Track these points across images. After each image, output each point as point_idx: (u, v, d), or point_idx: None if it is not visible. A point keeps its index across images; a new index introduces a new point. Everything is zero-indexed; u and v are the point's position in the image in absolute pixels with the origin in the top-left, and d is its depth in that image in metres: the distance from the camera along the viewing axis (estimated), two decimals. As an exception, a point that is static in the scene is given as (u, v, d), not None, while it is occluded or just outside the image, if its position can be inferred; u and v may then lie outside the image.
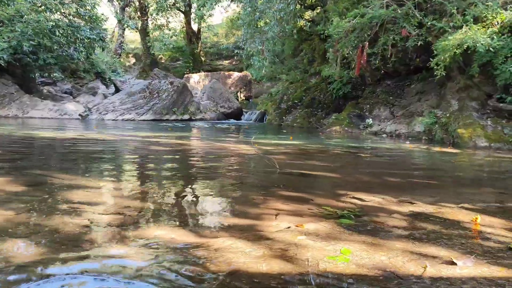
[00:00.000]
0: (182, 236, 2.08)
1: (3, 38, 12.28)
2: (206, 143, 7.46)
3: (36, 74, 14.76)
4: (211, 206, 2.82)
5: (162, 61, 39.55)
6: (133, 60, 40.95)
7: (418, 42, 10.58)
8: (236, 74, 27.27)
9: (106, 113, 14.61)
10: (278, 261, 1.78)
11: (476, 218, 2.57)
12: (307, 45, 19.74)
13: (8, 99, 13.73)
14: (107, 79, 20.67)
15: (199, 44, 35.95)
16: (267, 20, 17.21)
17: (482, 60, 9.64)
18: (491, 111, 9.62)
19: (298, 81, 19.37)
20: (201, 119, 17.23)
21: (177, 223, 2.33)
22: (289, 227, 2.29)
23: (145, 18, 34.05)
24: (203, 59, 36.36)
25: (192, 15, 29.21)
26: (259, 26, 15.43)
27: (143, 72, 35.04)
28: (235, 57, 35.19)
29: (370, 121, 12.57)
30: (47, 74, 15.26)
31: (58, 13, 13.75)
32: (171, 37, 31.96)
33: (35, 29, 12.34)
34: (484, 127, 8.86)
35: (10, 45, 12.29)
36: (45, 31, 12.57)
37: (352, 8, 12.31)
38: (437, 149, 8.11)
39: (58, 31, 13.02)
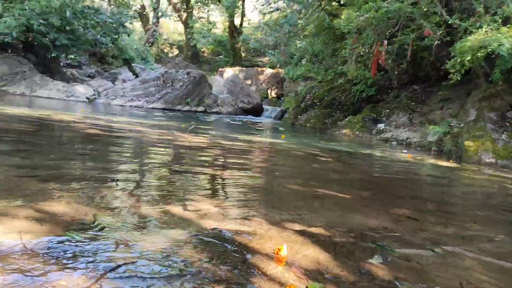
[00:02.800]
0: None
1: (13, 15, 12.29)
2: (163, 132, 6.79)
3: (53, 55, 14.69)
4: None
5: (205, 54, 39.50)
6: (176, 52, 41.24)
7: (435, 42, 9.41)
8: (268, 71, 26.53)
9: (115, 98, 14.36)
10: None
11: (280, 249, 1.74)
12: (343, 44, 18.69)
13: (19, 77, 13.80)
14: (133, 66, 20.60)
15: (240, 39, 35.45)
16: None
17: (506, 65, 8.39)
18: (510, 124, 8.34)
19: (327, 81, 18.44)
20: (216, 113, 16.66)
21: None
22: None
23: (190, 10, 34.06)
24: (243, 54, 35.93)
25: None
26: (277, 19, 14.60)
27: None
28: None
29: (382, 126, 11.47)
30: (64, 55, 15.22)
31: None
32: (210, 29, 31.73)
33: (43, 7, 12.25)
34: (495, 141, 7.63)
35: (19, 23, 12.27)
36: (53, 9, 12.45)
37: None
38: (433, 161, 7.03)
39: (69, 11, 12.86)
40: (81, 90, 14.20)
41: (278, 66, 20.62)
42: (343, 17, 16.16)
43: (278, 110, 18.50)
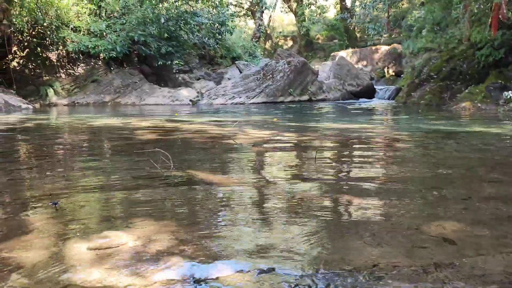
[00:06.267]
0: None
1: (115, 31, 13.09)
2: (224, 129, 6.29)
3: (159, 63, 15.37)
4: None
5: (319, 41, 38.47)
6: (290, 43, 40.97)
7: None
8: (383, 48, 24.61)
9: (216, 98, 14.45)
10: None
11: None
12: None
13: (130, 88, 14.72)
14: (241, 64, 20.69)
15: (353, 20, 33.52)
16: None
17: None
18: None
19: (447, 50, 16.24)
20: (323, 100, 15.78)
21: None
22: None
23: (300, -1, 33.36)
24: (358, 35, 34.00)
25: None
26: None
27: (298, 54, 34.60)
28: (395, 30, 31.92)
29: (509, 94, 9.44)
30: (170, 62, 15.82)
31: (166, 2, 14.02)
32: (319, 14, 30.61)
33: (139, 18, 12.79)
34: None
35: (122, 38, 13.01)
36: (147, 19, 12.92)
37: None
38: None
39: (163, 18, 13.23)
40: (185, 93, 14.59)
41: (377, 39, 18.90)
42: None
43: (392, 89, 16.85)
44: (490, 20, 9.82)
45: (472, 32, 13.23)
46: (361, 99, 16.31)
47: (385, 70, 23.72)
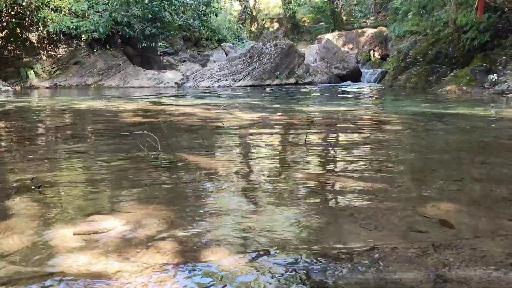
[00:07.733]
0: None
1: (97, 11, 12.74)
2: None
3: (143, 45, 15.06)
4: None
5: (305, 24, 38.22)
6: (276, 26, 40.60)
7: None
8: (369, 31, 24.50)
9: (202, 80, 14.26)
10: None
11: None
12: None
13: (114, 70, 14.42)
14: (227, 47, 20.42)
15: (340, 2, 33.36)
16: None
17: None
18: None
19: (433, 33, 16.28)
20: (309, 83, 15.72)
21: None
22: None
23: (285, -21, 32.97)
24: (344, 18, 33.84)
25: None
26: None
27: (285, 37, 34.33)
28: (381, 13, 31.87)
29: (495, 77, 9.50)
30: (154, 44, 15.52)
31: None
32: (306, -4, 30.31)
33: (121, -2, 12.49)
34: None
35: (104, 18, 12.68)
36: (131, 0, 12.60)
37: None
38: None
39: (149, -1, 12.93)
40: (170, 76, 14.36)
41: (363, 22, 18.87)
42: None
43: (378, 72, 16.84)
44: (476, 3, 9.81)
45: (458, 15, 13.24)
46: (347, 82, 16.29)
47: (371, 53, 23.67)
